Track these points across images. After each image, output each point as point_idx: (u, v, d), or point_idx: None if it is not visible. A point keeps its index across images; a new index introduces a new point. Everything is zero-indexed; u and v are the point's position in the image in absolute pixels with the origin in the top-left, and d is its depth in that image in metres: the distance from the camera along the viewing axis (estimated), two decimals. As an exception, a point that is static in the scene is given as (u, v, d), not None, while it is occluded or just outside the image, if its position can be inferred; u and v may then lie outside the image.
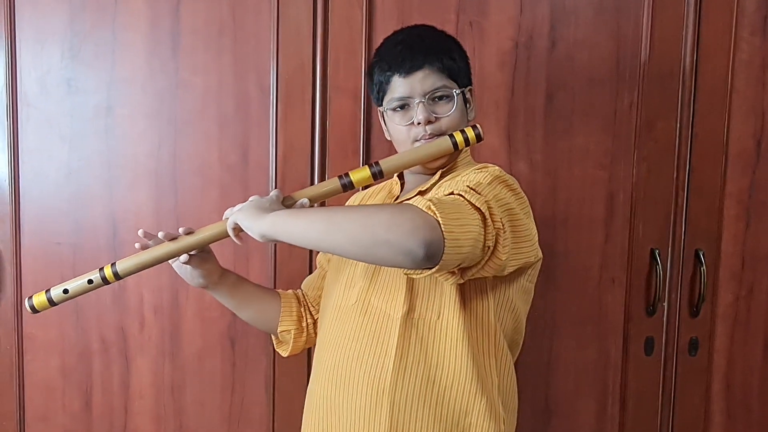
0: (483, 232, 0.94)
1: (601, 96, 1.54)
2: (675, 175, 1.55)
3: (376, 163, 1.14)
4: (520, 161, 1.55)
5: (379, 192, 1.33)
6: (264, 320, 1.33)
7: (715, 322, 1.60)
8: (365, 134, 1.56)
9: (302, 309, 1.34)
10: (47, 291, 1.15)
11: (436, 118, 1.15)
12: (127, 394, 1.62)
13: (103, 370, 1.62)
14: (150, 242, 1.17)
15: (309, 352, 1.59)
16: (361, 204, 1.34)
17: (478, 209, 0.95)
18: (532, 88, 1.54)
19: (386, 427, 1.08)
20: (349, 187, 1.14)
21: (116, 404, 1.62)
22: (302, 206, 1.12)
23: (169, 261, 1.18)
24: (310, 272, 1.54)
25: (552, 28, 1.53)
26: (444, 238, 0.89)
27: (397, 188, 1.27)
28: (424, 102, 1.14)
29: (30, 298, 1.16)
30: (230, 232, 1.10)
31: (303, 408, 1.58)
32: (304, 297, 1.37)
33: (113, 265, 1.14)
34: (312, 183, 1.57)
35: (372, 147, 1.57)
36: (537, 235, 1.11)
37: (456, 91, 1.16)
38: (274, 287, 1.56)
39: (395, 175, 1.28)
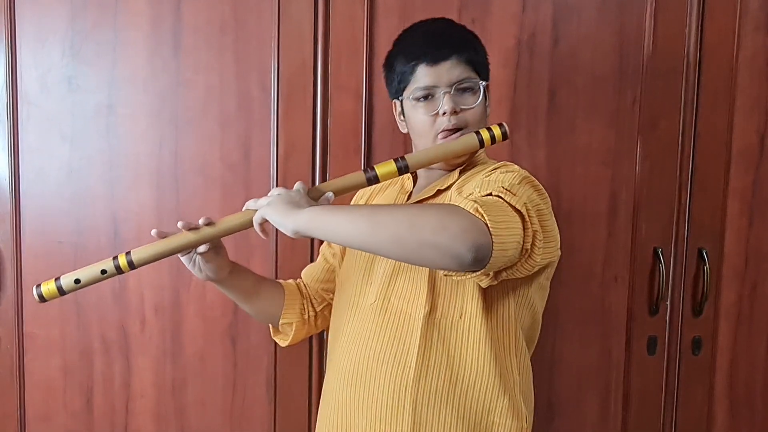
0: (523, 234, 0.95)
1: (603, 93, 1.54)
2: (678, 173, 1.55)
3: (402, 158, 1.13)
4: (523, 159, 1.54)
5: (389, 186, 1.31)
6: (267, 313, 1.32)
7: (719, 321, 1.59)
8: (367, 133, 1.55)
9: (305, 301, 1.33)
10: (57, 279, 1.10)
11: (461, 110, 1.14)
12: (128, 394, 1.62)
13: (104, 369, 1.61)
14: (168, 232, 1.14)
15: (311, 351, 1.59)
16: (367, 199, 1.33)
17: (518, 211, 0.95)
18: (535, 86, 1.54)
19: (409, 426, 1.07)
20: (374, 181, 1.13)
21: (117, 404, 1.62)
22: (328, 200, 1.10)
23: (180, 254, 1.14)
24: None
25: (554, 26, 1.53)
26: (492, 242, 0.89)
27: (409, 183, 1.26)
28: (450, 92, 1.12)
29: (38, 286, 1.10)
30: (257, 227, 1.08)
31: (305, 406, 1.59)
32: (306, 289, 1.35)
33: (128, 254, 1.09)
34: (313, 182, 1.57)
35: (373, 145, 1.56)
36: (557, 230, 1.11)
37: (482, 83, 1.15)
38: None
39: None
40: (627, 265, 1.57)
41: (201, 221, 1.11)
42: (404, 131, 1.24)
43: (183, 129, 1.57)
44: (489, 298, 1.09)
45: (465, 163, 1.18)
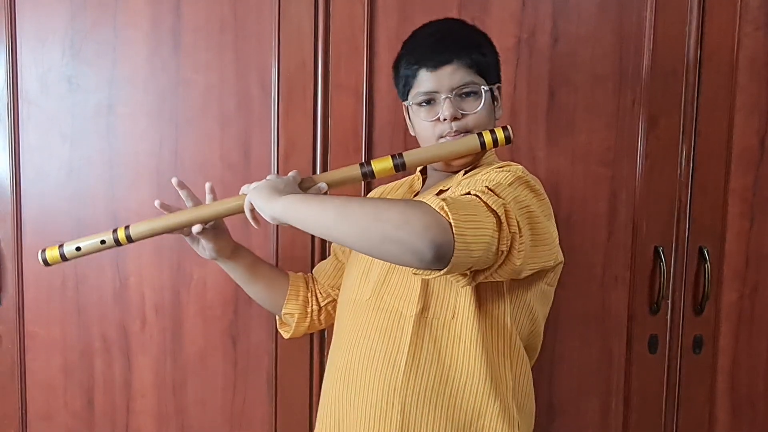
0: (497, 236, 0.92)
1: (603, 93, 1.54)
2: (678, 173, 1.54)
3: (400, 155, 1.12)
4: (522, 158, 1.54)
5: (400, 186, 1.31)
6: (270, 299, 1.33)
7: (720, 320, 1.59)
8: (367, 132, 1.55)
9: (309, 294, 1.33)
10: (60, 246, 1.19)
11: (463, 115, 1.12)
12: (128, 393, 1.62)
13: (104, 368, 1.62)
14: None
15: (311, 351, 1.59)
16: (380, 197, 1.33)
17: (494, 212, 0.93)
18: (534, 85, 1.54)
19: (398, 426, 1.06)
20: (369, 176, 1.13)
21: (118, 403, 1.62)
22: (319, 190, 1.11)
23: (182, 233, 1.20)
24: (313, 260, 1.55)
25: (554, 25, 1.53)
26: (454, 240, 0.87)
27: (418, 184, 1.25)
28: (450, 98, 1.11)
29: (43, 251, 1.20)
30: (248, 213, 1.09)
31: (305, 406, 1.59)
32: (313, 282, 1.36)
33: (127, 228, 1.17)
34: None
35: (374, 145, 1.56)
36: (558, 238, 1.08)
37: (484, 88, 1.13)
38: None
39: (418, 170, 1.27)
40: (627, 264, 1.57)
41: (207, 186, 1.20)
42: (413, 134, 1.23)
43: (183, 128, 1.57)
44: (483, 300, 1.08)
45: (470, 165, 1.17)
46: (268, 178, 1.10)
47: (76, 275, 1.59)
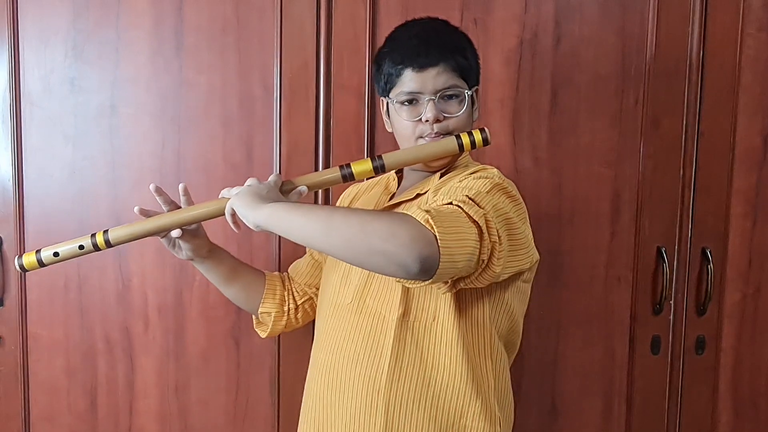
0: (479, 246, 0.93)
1: (606, 93, 1.54)
2: (681, 173, 1.54)
3: (379, 157, 1.13)
4: (525, 159, 1.54)
5: (375, 186, 1.32)
6: (247, 299, 1.34)
7: (722, 321, 1.59)
8: (369, 132, 1.55)
9: (285, 293, 1.35)
10: (38, 251, 1.16)
11: (445, 117, 1.13)
12: (131, 394, 1.62)
13: (107, 370, 1.62)
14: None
15: (314, 352, 1.59)
16: (357, 204, 1.33)
17: (475, 222, 0.94)
18: (537, 86, 1.54)
19: (381, 427, 1.08)
20: (349, 178, 1.14)
21: (121, 404, 1.62)
22: (300, 194, 1.12)
23: (159, 236, 1.19)
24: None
25: (557, 25, 1.53)
26: (440, 254, 0.88)
27: (394, 184, 1.26)
28: (434, 100, 1.12)
29: (20, 257, 1.17)
30: (228, 219, 1.10)
31: (308, 407, 1.59)
32: (289, 281, 1.37)
33: (105, 232, 1.15)
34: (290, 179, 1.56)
35: (376, 145, 1.56)
36: (533, 239, 1.10)
37: (467, 92, 1.15)
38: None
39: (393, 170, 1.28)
40: (630, 264, 1.57)
41: (180, 187, 1.18)
42: (389, 130, 1.24)
43: (185, 129, 1.57)
44: (462, 301, 1.09)
45: (446, 166, 1.18)
46: (248, 183, 1.10)
47: (79, 276, 1.59)
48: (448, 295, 1.07)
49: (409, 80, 1.13)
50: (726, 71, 1.53)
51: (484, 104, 1.50)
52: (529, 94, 1.54)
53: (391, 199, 1.23)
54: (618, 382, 1.60)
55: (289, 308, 1.34)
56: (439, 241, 0.88)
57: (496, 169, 1.13)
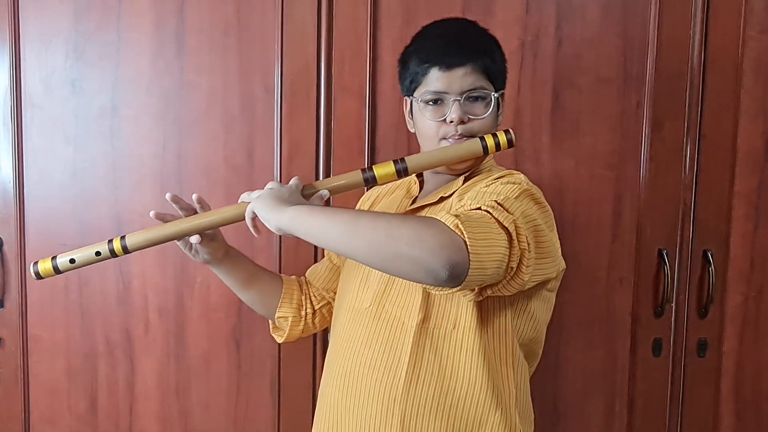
0: (508, 253, 0.91)
1: (608, 95, 1.53)
2: (683, 175, 1.54)
3: (402, 160, 1.11)
4: (527, 161, 1.54)
5: (396, 189, 1.29)
6: (263, 303, 1.31)
7: (724, 323, 1.59)
8: (370, 134, 1.55)
9: (303, 297, 1.32)
10: (53, 258, 1.13)
11: (469, 119, 1.11)
12: (132, 396, 1.62)
13: (108, 371, 1.61)
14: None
15: (314, 353, 1.59)
16: (378, 208, 1.30)
17: (505, 228, 0.92)
18: (539, 88, 1.53)
19: None
20: (371, 182, 1.11)
21: (121, 406, 1.62)
22: (321, 198, 1.09)
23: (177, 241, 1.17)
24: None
25: (558, 27, 1.52)
26: (469, 260, 0.86)
27: (415, 188, 1.23)
28: (460, 101, 1.10)
29: (35, 263, 1.14)
30: (249, 222, 1.08)
31: (308, 409, 1.59)
32: (307, 285, 1.34)
33: (123, 238, 1.12)
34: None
35: (377, 147, 1.56)
36: (560, 247, 1.08)
37: (494, 94, 1.13)
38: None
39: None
40: (632, 267, 1.56)
41: (194, 197, 1.14)
42: (412, 130, 1.21)
43: (187, 130, 1.57)
44: (485, 309, 1.07)
45: (470, 170, 1.15)
46: (269, 186, 1.08)
47: (80, 278, 1.59)
48: (470, 303, 1.05)
49: (435, 80, 1.10)
50: (728, 73, 1.52)
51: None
52: (531, 96, 1.54)
53: (413, 203, 1.20)
54: (619, 384, 1.60)
55: (306, 313, 1.31)
56: (468, 247, 0.86)
57: (522, 175, 1.10)
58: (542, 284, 1.09)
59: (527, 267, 0.94)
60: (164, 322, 1.60)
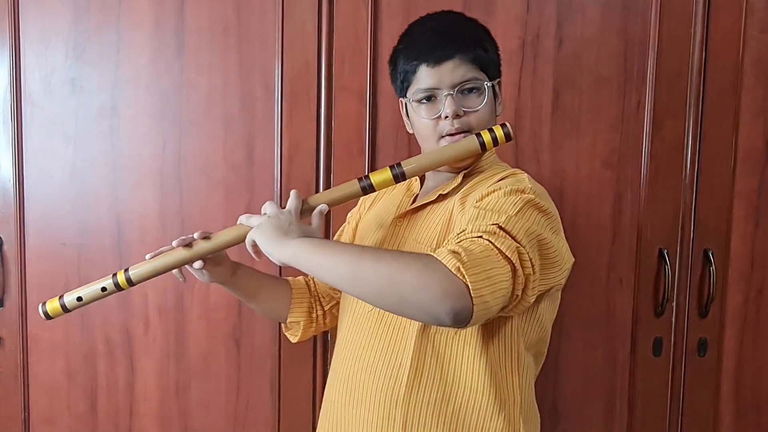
0: (512, 284, 0.91)
1: (608, 95, 1.53)
2: (683, 175, 1.54)
3: (398, 165, 1.09)
4: (527, 161, 1.54)
5: (397, 186, 1.26)
6: (273, 311, 1.30)
7: (725, 323, 1.59)
8: (371, 134, 1.55)
9: (313, 300, 1.31)
10: (60, 297, 1.15)
11: (465, 112, 1.09)
12: (132, 396, 1.61)
13: (108, 371, 1.61)
14: (163, 249, 1.15)
15: (314, 354, 1.59)
16: (378, 205, 1.28)
17: (508, 259, 0.91)
18: (539, 87, 1.53)
19: None
20: (369, 190, 1.11)
21: (121, 406, 1.62)
22: (321, 213, 1.08)
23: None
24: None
25: (559, 27, 1.52)
26: (473, 304, 0.86)
27: (416, 185, 1.22)
28: (452, 94, 1.07)
29: (44, 304, 1.16)
30: (250, 249, 1.07)
31: (308, 410, 1.59)
32: (315, 286, 1.33)
33: (126, 271, 1.13)
34: (317, 183, 1.56)
35: (378, 147, 1.56)
36: (566, 245, 1.06)
37: (487, 84, 1.10)
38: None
39: None
40: (632, 266, 1.56)
41: (196, 236, 1.12)
42: (410, 131, 1.20)
43: (186, 130, 1.57)
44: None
45: (470, 166, 1.14)
46: (267, 211, 1.06)
47: (79, 278, 1.58)
48: None
49: (425, 76, 1.08)
50: (728, 73, 1.52)
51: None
52: (531, 95, 1.54)
53: (414, 201, 1.19)
54: (620, 384, 1.59)
55: (317, 315, 1.31)
56: (471, 291, 0.86)
57: (525, 174, 1.08)
58: (549, 289, 1.07)
59: (532, 290, 0.93)
60: (164, 322, 1.59)
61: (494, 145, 1.08)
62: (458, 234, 0.96)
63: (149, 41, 1.55)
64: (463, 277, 0.86)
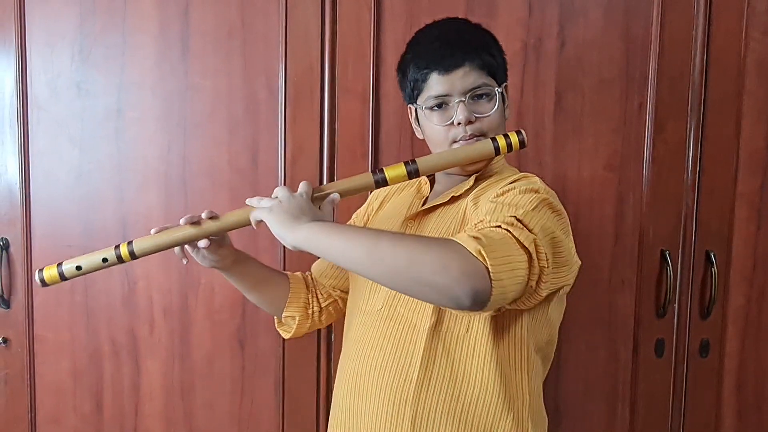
0: (528, 273, 0.92)
1: (610, 97, 1.54)
2: (685, 177, 1.55)
3: (413, 161, 1.10)
4: (529, 162, 1.54)
5: (406, 187, 1.29)
6: (271, 303, 1.30)
7: (726, 324, 1.59)
8: (374, 136, 1.56)
9: (310, 296, 1.31)
10: (59, 265, 1.12)
11: (477, 118, 1.10)
12: (137, 397, 1.63)
13: (113, 372, 1.62)
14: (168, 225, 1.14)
15: (318, 355, 1.59)
16: (388, 206, 1.29)
17: (525, 248, 0.92)
18: (541, 89, 1.54)
19: None
20: (382, 184, 1.11)
21: (126, 406, 1.63)
22: (333, 202, 1.08)
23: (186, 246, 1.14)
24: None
25: (561, 29, 1.53)
26: (492, 287, 0.87)
27: (426, 188, 1.23)
28: (464, 101, 1.09)
29: (41, 270, 1.12)
30: (253, 225, 1.07)
31: (313, 410, 1.60)
32: (313, 282, 1.34)
33: (129, 243, 1.11)
34: (321, 185, 1.56)
35: (381, 149, 1.56)
36: (574, 247, 1.07)
37: (498, 90, 1.12)
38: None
39: None
40: (634, 268, 1.57)
41: (204, 215, 1.11)
42: (420, 137, 1.21)
43: (191, 132, 1.58)
44: (500, 316, 1.06)
45: (481, 170, 1.15)
46: (279, 195, 1.05)
47: (85, 279, 1.59)
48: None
49: (435, 83, 1.10)
50: (730, 75, 1.53)
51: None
52: (534, 97, 1.54)
53: (424, 203, 1.20)
54: (622, 385, 1.60)
55: (313, 311, 1.30)
56: (491, 274, 0.86)
57: (537, 177, 1.10)
58: (559, 289, 1.07)
59: (545, 283, 0.95)
60: (169, 323, 1.61)
61: (508, 151, 1.10)
62: (476, 224, 0.97)
63: (154, 44, 1.56)
64: (484, 259, 0.87)
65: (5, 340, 1.62)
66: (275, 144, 1.56)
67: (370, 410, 1.09)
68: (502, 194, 1.03)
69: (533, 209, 0.98)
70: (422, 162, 1.10)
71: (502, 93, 1.14)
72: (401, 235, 0.97)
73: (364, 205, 1.38)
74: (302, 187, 1.08)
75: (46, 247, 1.60)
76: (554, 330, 1.15)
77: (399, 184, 1.29)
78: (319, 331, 1.56)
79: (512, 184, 1.06)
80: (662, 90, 1.52)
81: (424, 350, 1.06)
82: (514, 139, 1.09)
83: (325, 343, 1.59)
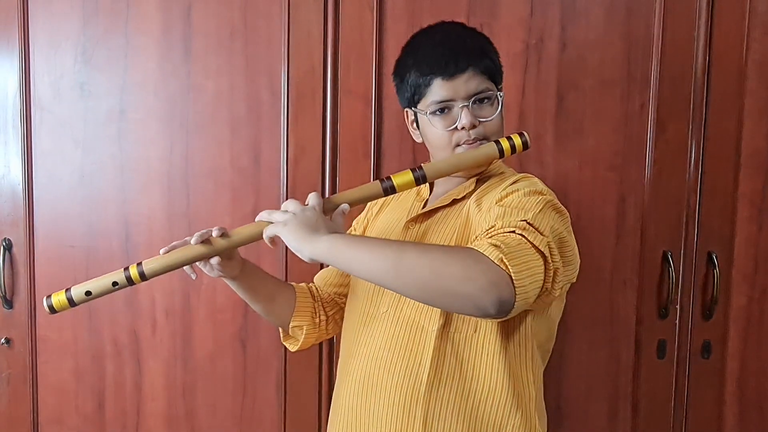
0: (545, 275, 0.93)
1: (612, 97, 1.54)
2: (687, 177, 1.55)
3: (420, 168, 1.11)
4: (531, 163, 1.55)
5: (405, 192, 1.26)
6: (276, 313, 1.29)
7: (728, 325, 1.59)
8: (376, 137, 1.56)
9: (316, 305, 1.30)
10: (67, 290, 1.09)
11: (480, 122, 1.11)
12: (139, 397, 1.63)
13: (115, 372, 1.63)
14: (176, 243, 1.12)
15: (320, 355, 1.60)
16: (387, 209, 1.29)
17: (540, 252, 0.93)
18: (543, 90, 1.54)
19: None
20: (390, 192, 1.11)
21: (129, 406, 1.63)
22: (343, 213, 1.08)
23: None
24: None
25: (562, 30, 1.53)
26: (515, 293, 0.88)
27: (426, 190, 1.24)
28: (468, 106, 1.10)
29: (48, 297, 1.10)
30: (267, 242, 1.06)
31: (314, 410, 1.60)
32: (318, 292, 1.33)
33: (139, 265, 1.09)
34: (323, 186, 1.57)
35: (383, 150, 1.57)
36: (577, 248, 1.08)
37: (499, 94, 1.14)
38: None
39: None
40: (636, 268, 1.57)
41: (214, 233, 1.09)
42: (418, 140, 1.21)
43: (193, 133, 1.58)
44: None
45: (482, 171, 1.16)
46: (291, 209, 1.04)
47: (87, 279, 1.59)
48: None
49: (439, 89, 1.11)
50: (732, 75, 1.53)
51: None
52: (535, 98, 1.54)
53: (424, 206, 1.21)
54: (623, 385, 1.60)
55: (320, 320, 1.29)
56: (515, 282, 0.88)
57: (536, 178, 1.11)
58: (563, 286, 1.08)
59: (558, 284, 0.96)
60: (171, 323, 1.61)
61: (512, 153, 1.11)
62: (488, 230, 0.98)
63: (157, 46, 1.57)
64: (507, 267, 0.88)
65: (8, 341, 1.62)
66: (277, 145, 1.56)
67: (380, 411, 1.09)
68: (507, 197, 1.04)
69: (540, 211, 1.00)
70: (429, 168, 1.11)
71: (502, 96, 1.15)
72: (425, 246, 0.97)
73: (363, 212, 1.38)
74: (313, 199, 1.07)
75: (49, 247, 1.61)
76: (554, 326, 1.17)
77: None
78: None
79: (514, 185, 1.07)
80: (664, 90, 1.53)
81: (433, 351, 1.06)
82: (517, 141, 1.10)
83: (327, 343, 1.59)
